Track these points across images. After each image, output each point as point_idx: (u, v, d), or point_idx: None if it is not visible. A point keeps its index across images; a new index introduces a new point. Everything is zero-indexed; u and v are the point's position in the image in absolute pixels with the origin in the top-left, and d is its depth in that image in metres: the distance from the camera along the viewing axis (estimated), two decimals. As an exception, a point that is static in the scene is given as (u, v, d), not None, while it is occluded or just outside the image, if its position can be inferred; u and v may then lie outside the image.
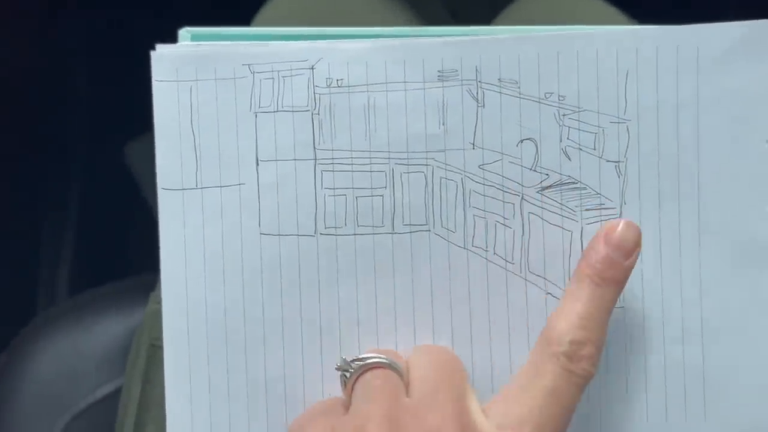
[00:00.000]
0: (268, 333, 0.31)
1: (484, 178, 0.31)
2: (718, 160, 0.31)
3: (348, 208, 0.32)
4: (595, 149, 0.31)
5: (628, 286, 0.30)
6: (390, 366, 0.29)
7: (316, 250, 0.31)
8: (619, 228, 0.29)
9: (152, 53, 0.31)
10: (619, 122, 0.31)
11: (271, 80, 0.31)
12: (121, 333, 0.55)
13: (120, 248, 0.87)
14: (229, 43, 0.32)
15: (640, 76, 0.31)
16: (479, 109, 0.31)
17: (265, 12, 0.56)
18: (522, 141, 0.31)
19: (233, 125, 0.31)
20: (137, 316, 0.55)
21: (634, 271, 0.30)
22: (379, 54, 0.31)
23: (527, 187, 0.31)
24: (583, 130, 0.31)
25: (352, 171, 0.32)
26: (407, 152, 0.31)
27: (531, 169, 0.31)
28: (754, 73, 0.31)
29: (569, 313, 0.29)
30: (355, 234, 0.31)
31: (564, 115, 0.31)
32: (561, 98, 0.31)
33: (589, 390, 0.30)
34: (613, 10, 0.54)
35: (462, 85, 0.31)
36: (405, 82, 0.31)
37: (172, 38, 0.32)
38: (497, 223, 0.31)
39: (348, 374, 0.29)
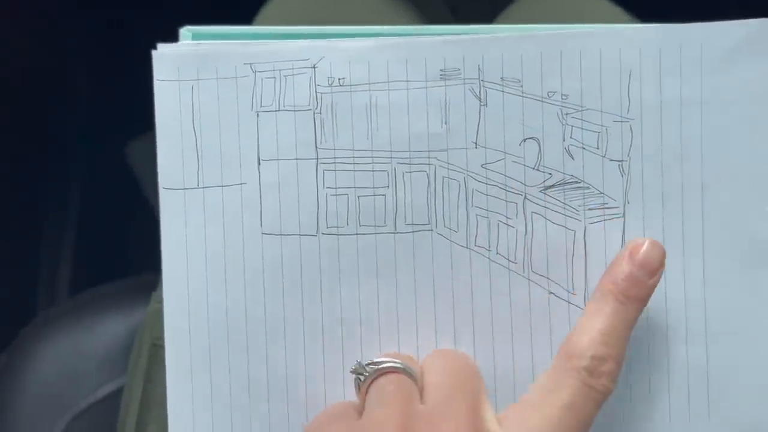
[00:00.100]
0: (269, 333, 0.31)
1: (486, 178, 0.31)
2: (722, 159, 0.31)
3: (350, 207, 0.31)
4: (598, 148, 0.31)
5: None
6: (404, 371, 0.29)
7: (317, 249, 0.31)
8: (645, 247, 0.29)
9: (154, 52, 0.31)
10: (622, 121, 0.31)
11: (273, 79, 0.31)
12: (122, 333, 0.55)
13: (120, 248, 0.87)
14: (230, 42, 0.31)
15: (644, 75, 0.31)
16: (482, 108, 0.31)
17: (266, 11, 0.56)
18: (525, 140, 0.31)
19: (235, 124, 0.31)
20: (138, 315, 0.55)
21: None
22: (381, 53, 0.31)
23: (530, 186, 0.31)
24: (586, 129, 0.31)
25: (354, 170, 0.31)
26: (409, 151, 0.31)
27: (534, 169, 0.31)
28: (758, 71, 0.31)
29: (591, 329, 0.28)
30: (357, 234, 0.31)
31: (567, 114, 0.31)
32: (564, 97, 0.31)
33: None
34: (616, 9, 0.54)
35: (464, 83, 0.31)
36: (407, 81, 0.31)
37: (173, 37, 0.32)
38: (500, 223, 0.31)
39: (362, 378, 0.29)
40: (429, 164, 0.31)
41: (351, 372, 0.29)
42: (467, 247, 0.31)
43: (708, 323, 0.31)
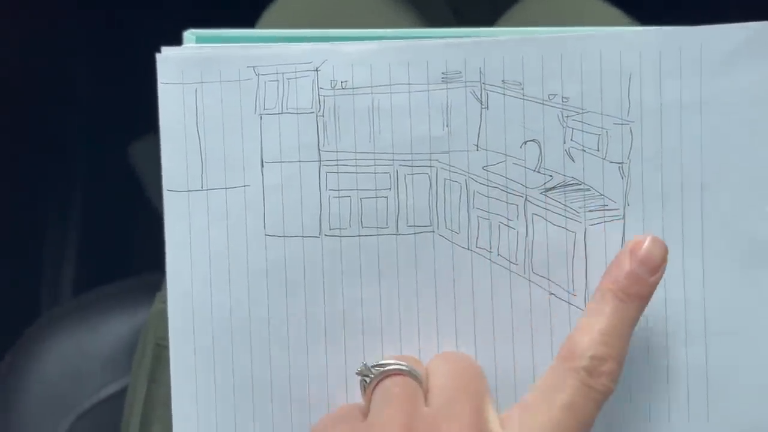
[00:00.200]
0: (272, 333, 0.32)
1: (487, 180, 0.31)
2: (722, 162, 0.31)
3: (352, 209, 0.32)
4: (598, 150, 0.31)
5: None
6: (409, 373, 0.29)
7: (320, 251, 0.32)
8: (646, 244, 0.29)
9: (158, 55, 0.32)
10: (622, 124, 0.31)
11: (276, 82, 0.31)
12: (126, 333, 0.55)
13: (124, 248, 0.88)
14: (233, 45, 0.32)
15: (644, 78, 0.31)
16: (483, 110, 0.31)
17: (269, 14, 0.56)
18: (525, 142, 0.31)
19: (238, 127, 0.32)
20: (141, 315, 0.55)
21: None
22: (383, 56, 0.31)
23: (531, 188, 0.31)
24: (586, 132, 0.31)
25: (357, 173, 0.32)
26: (411, 154, 0.32)
27: (534, 171, 0.31)
28: (758, 74, 0.31)
29: (591, 329, 0.28)
30: (359, 235, 0.32)
31: (567, 116, 0.31)
32: (564, 100, 0.31)
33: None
34: (616, 12, 0.54)
35: (466, 86, 0.31)
36: (409, 84, 0.31)
37: (173, 38, 0.32)
38: (501, 225, 0.31)
39: (368, 379, 0.29)
40: (431, 166, 0.32)
41: (357, 374, 0.30)
42: (468, 249, 0.32)
43: (707, 323, 0.31)
